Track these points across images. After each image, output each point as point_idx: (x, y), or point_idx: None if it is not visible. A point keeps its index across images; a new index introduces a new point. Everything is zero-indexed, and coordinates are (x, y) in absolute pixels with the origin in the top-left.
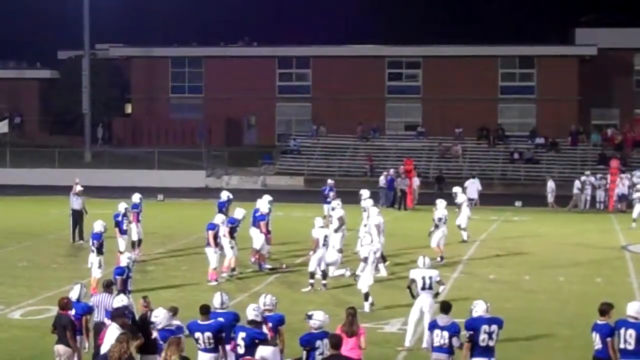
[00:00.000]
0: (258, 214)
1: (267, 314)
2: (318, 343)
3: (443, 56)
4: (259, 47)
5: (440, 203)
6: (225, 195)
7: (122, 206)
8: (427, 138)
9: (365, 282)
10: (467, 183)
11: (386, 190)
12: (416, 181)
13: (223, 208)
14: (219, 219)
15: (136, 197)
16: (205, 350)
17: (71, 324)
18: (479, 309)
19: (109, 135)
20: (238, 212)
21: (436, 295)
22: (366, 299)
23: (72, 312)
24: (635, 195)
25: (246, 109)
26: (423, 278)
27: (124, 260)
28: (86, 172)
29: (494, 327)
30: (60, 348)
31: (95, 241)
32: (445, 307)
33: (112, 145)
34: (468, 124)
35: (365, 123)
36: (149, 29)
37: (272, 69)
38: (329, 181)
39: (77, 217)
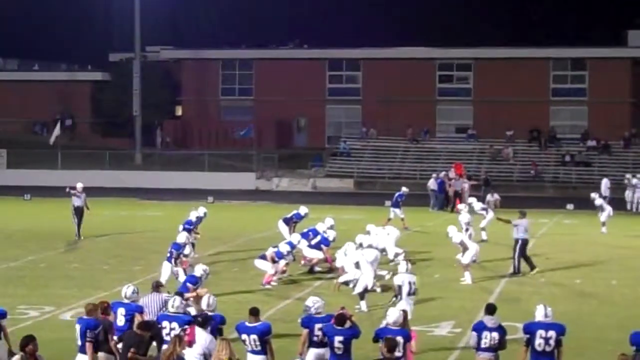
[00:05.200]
0: (319, 237)
1: (317, 316)
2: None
3: (494, 58)
4: (309, 49)
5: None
6: (303, 211)
7: (194, 214)
8: (478, 140)
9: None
10: (603, 182)
11: (437, 193)
12: (466, 183)
13: (293, 220)
14: (285, 248)
15: (201, 211)
16: (253, 352)
17: (111, 328)
18: (537, 313)
19: (165, 138)
20: (302, 209)
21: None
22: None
23: (111, 316)
24: None
25: (296, 111)
26: (410, 283)
27: (198, 270)
28: (136, 174)
29: (552, 333)
30: (101, 355)
31: (174, 251)
32: (490, 309)
33: (168, 147)
34: (519, 126)
35: (416, 125)
36: (199, 31)
37: (322, 71)
38: (404, 189)
39: (79, 214)
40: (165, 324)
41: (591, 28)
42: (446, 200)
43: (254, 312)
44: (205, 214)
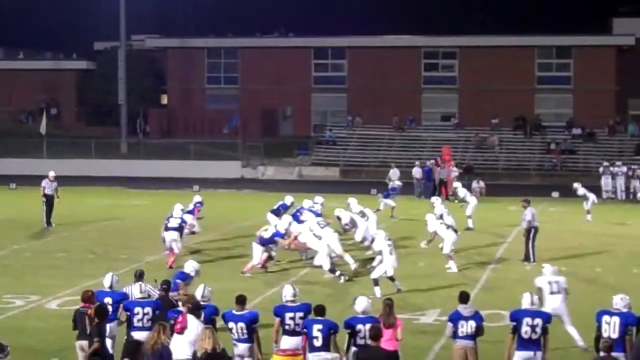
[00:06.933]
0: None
1: (290, 304)
2: (359, 327)
3: (479, 46)
4: (295, 38)
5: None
6: (289, 200)
7: (178, 208)
8: (464, 129)
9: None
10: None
11: (425, 182)
12: (454, 171)
13: (281, 212)
14: (283, 226)
15: (198, 198)
16: (240, 340)
17: None
18: (524, 301)
19: (145, 128)
20: (288, 199)
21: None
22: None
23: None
24: None
25: (282, 99)
26: (549, 283)
27: (189, 267)
28: (122, 162)
29: (538, 321)
30: (85, 344)
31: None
32: (463, 297)
33: (148, 137)
34: (504, 114)
35: (401, 114)
36: (184, 20)
37: (307, 60)
38: (398, 182)
39: (50, 202)
40: (137, 310)
41: (576, 16)
42: (433, 189)
43: (241, 301)
44: (200, 202)
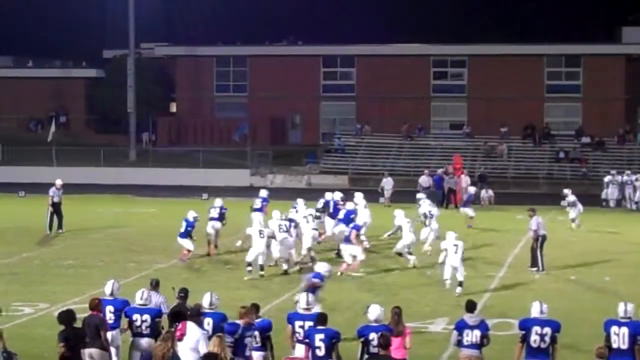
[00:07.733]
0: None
1: (303, 312)
2: (372, 335)
3: (489, 55)
4: (304, 46)
5: (424, 201)
6: (329, 197)
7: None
8: (473, 137)
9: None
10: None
11: (434, 190)
12: (466, 180)
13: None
14: (363, 219)
15: (264, 193)
16: (254, 348)
17: (104, 324)
18: (533, 310)
19: (150, 137)
20: (328, 195)
21: None
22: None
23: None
24: None
25: (291, 108)
26: None
27: (321, 268)
28: (131, 170)
29: (547, 330)
30: (94, 352)
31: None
32: (470, 306)
33: (157, 145)
34: (514, 123)
35: (410, 122)
36: (193, 28)
37: (316, 68)
38: (471, 189)
39: (57, 209)
40: (136, 316)
41: (585, 25)
42: (442, 197)
43: (255, 309)
44: (266, 199)
